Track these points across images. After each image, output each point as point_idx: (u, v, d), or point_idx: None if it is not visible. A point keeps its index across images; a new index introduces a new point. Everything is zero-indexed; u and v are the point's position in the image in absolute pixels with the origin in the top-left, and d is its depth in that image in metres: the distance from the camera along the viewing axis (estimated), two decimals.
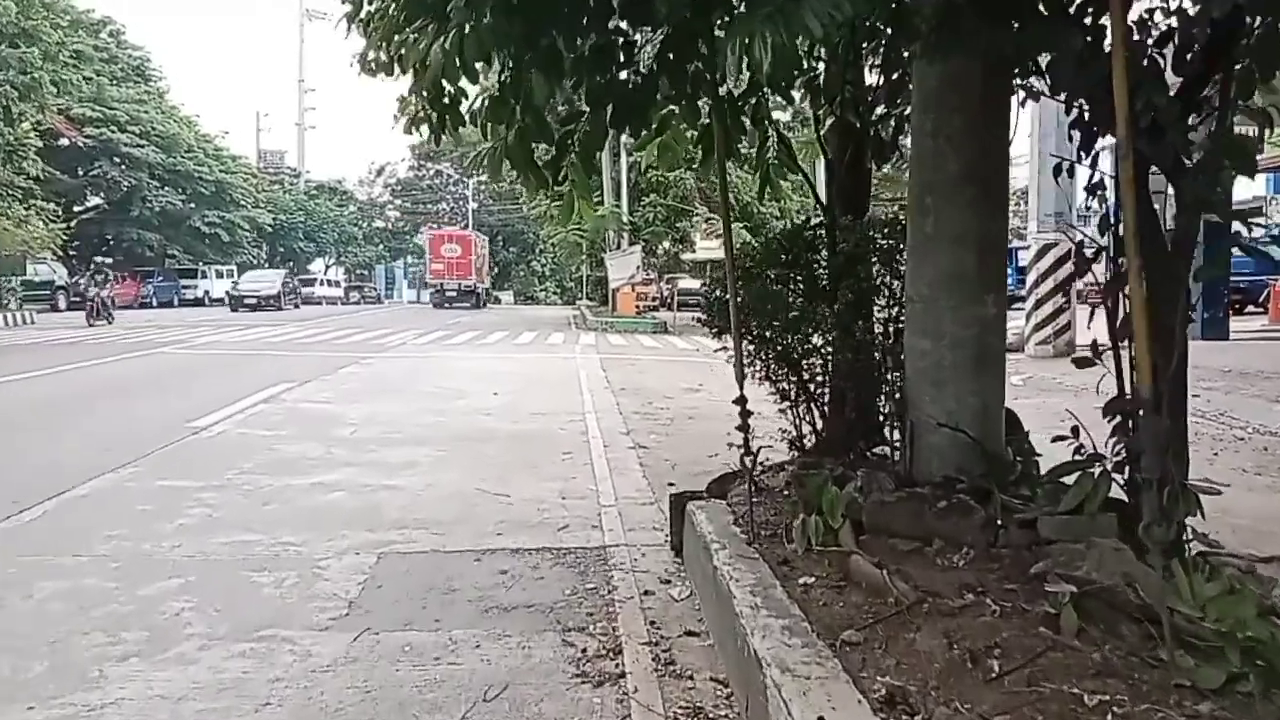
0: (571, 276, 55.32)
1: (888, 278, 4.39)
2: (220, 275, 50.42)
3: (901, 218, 4.35)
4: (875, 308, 4.50)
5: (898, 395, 4.01)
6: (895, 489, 3.72)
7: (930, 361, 3.82)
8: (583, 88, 4.39)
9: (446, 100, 4.45)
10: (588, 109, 4.40)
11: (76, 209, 46.51)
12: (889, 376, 4.32)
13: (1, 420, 8.73)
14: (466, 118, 4.50)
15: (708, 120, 4.56)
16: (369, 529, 5.06)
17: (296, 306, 40.29)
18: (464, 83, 4.37)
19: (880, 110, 4.96)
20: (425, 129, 4.65)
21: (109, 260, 46.98)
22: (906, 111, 5.14)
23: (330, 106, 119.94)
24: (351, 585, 4.15)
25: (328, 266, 68.38)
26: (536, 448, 7.50)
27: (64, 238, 31.58)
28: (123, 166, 41.97)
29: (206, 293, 48.36)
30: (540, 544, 4.82)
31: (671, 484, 6.24)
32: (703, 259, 56.82)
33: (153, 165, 43.21)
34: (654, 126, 4.70)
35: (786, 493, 4.55)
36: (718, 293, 4.94)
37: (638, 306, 25.93)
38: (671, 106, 4.62)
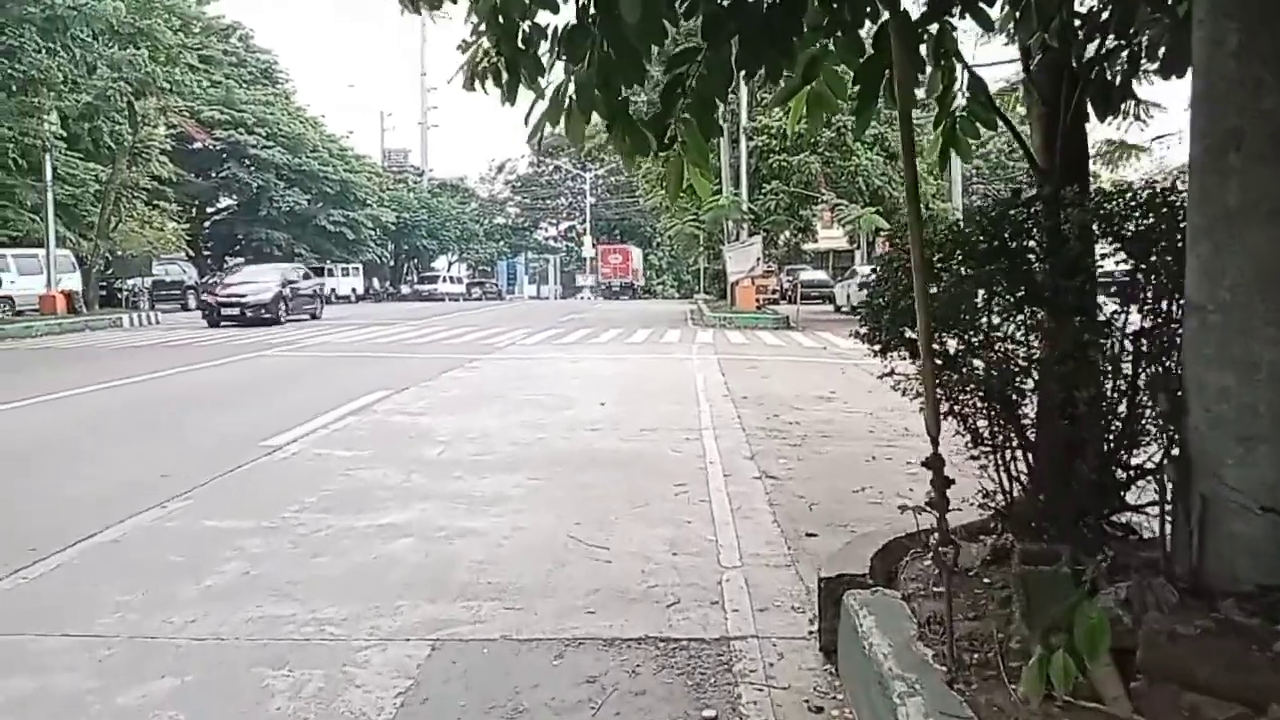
0: (689, 270, 54.19)
1: (1154, 276, 3.04)
2: (346, 273, 51.42)
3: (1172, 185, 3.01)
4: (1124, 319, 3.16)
5: (1175, 454, 2.67)
6: (1185, 605, 2.41)
7: (1234, 405, 2.47)
8: (698, 12, 3.23)
9: (520, 41, 3.36)
10: (704, 43, 3.22)
11: (209, 210, 48.17)
12: (1152, 423, 2.97)
13: (63, 437, 8.14)
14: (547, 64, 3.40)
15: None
16: (430, 598, 4.01)
17: (315, 316, 26.87)
18: (542, 15, 3.27)
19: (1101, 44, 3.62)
20: (492, 80, 3.57)
21: (240, 260, 48.70)
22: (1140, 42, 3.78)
23: (452, 105, 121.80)
24: (388, 698, 3.09)
25: (451, 263, 69.23)
26: (645, 476, 6.35)
27: (189, 238, 32.26)
28: (251, 168, 42.98)
29: (333, 290, 49.26)
30: (643, 631, 3.66)
31: (812, 534, 5.01)
32: (824, 249, 55.03)
33: (279, 166, 44.13)
34: (799, 70, 3.46)
35: (987, 578, 3.27)
36: (885, 296, 3.66)
37: (758, 300, 24.55)
38: (823, 41, 3.40)
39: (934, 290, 3.47)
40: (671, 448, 7.35)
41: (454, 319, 26.86)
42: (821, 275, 42.72)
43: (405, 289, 60.00)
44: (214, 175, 43.32)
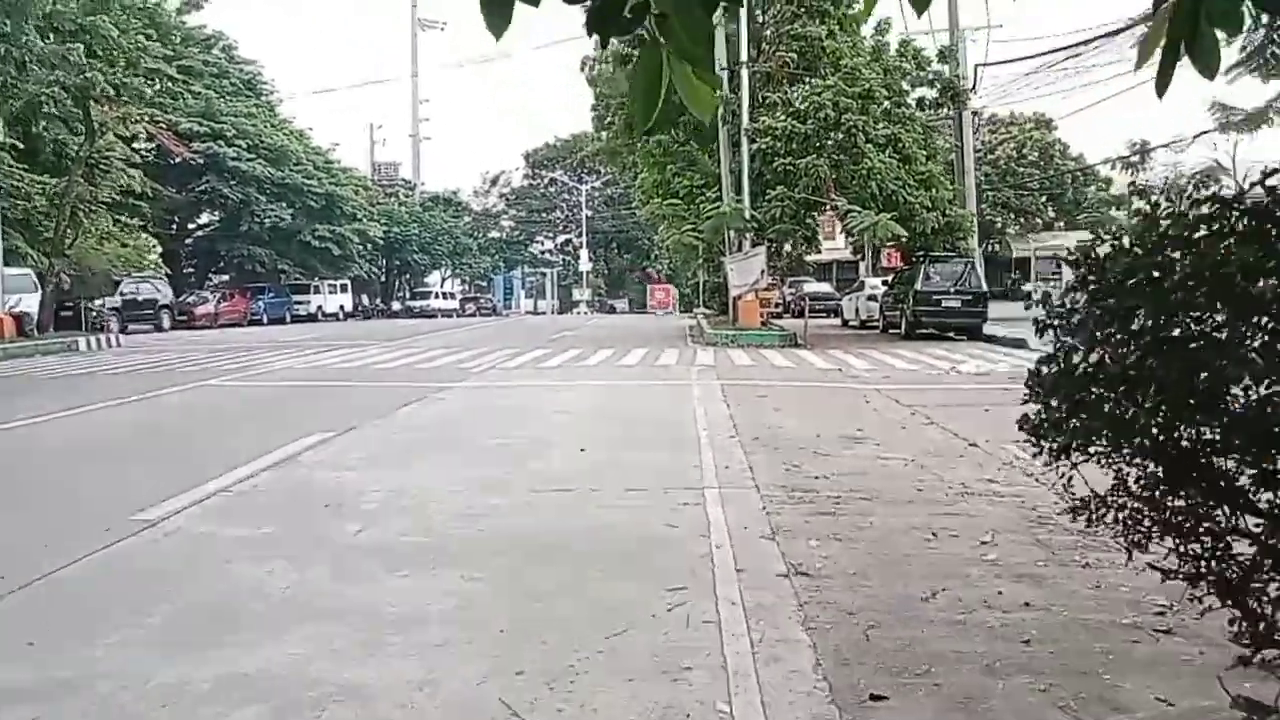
0: (687, 283, 52.52)
1: None
2: (334, 290, 49.77)
3: None
4: None
5: None
6: None
7: None
8: None
9: None
10: None
11: (190, 226, 46.51)
12: None
13: None
14: None
15: None
16: None
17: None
18: None
19: None
20: None
21: (225, 278, 47.04)
22: None
23: (444, 117, 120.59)
24: None
25: (444, 279, 67.63)
26: (627, 573, 4.58)
27: (162, 254, 30.56)
28: (231, 181, 41.28)
29: (320, 308, 47.68)
30: None
31: (879, 696, 3.22)
32: (827, 260, 53.36)
33: (261, 179, 42.45)
34: None
35: None
36: (1068, 347, 1.94)
37: (762, 316, 22.80)
38: None
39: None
40: (665, 521, 5.57)
41: (435, 339, 25.10)
42: (826, 287, 41.05)
43: (397, 305, 58.35)
44: (193, 189, 41.61)
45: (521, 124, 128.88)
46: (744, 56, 21.39)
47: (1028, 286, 40.40)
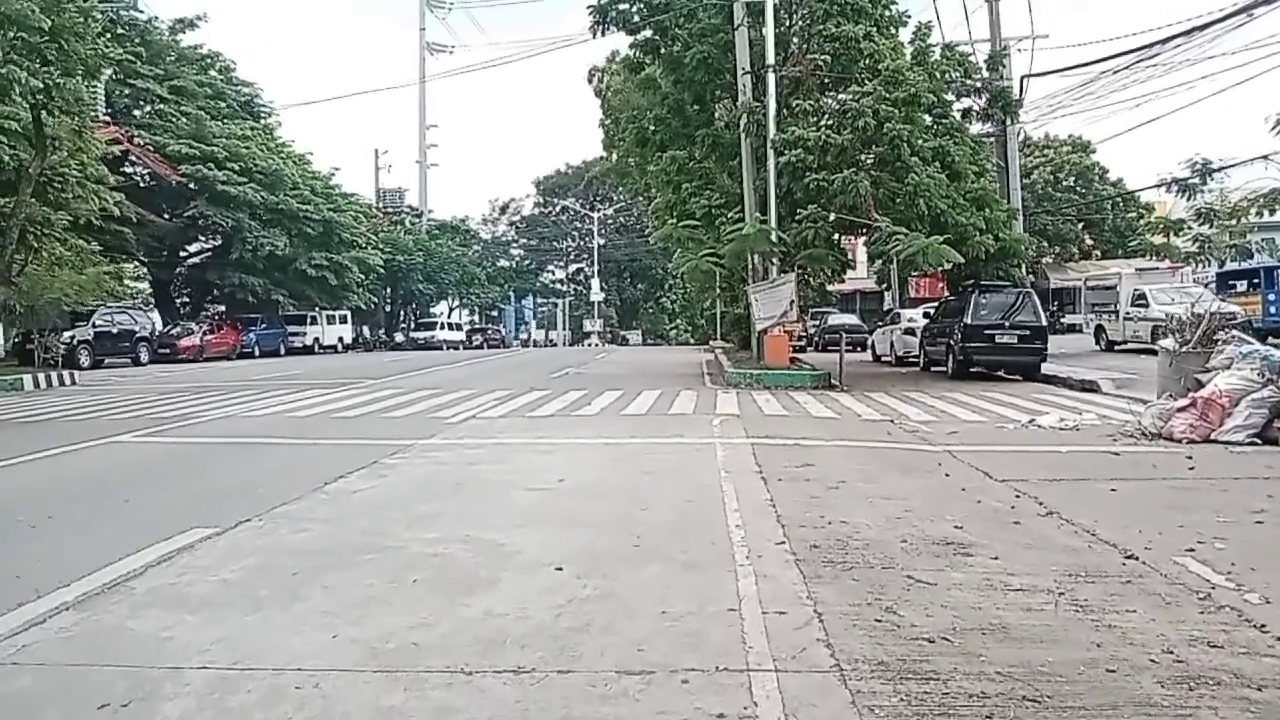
0: (703, 313, 50.00)
1: None
2: (332, 321, 47.55)
3: None
4: None
5: None
6: None
7: None
8: None
9: None
10: None
11: (181, 254, 44.40)
12: None
13: None
14: None
15: None
16: None
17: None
18: None
19: None
20: None
21: (222, 308, 44.81)
22: None
23: (453, 143, 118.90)
24: None
25: (451, 309, 65.41)
26: None
27: (124, 281, 28.25)
28: (222, 206, 39.07)
29: (317, 340, 45.44)
30: None
31: None
32: (850, 290, 50.58)
33: (254, 205, 40.23)
34: None
35: None
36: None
37: (789, 352, 20.19)
38: None
39: None
40: None
41: (425, 377, 22.53)
42: (853, 319, 38.29)
43: (400, 337, 56.05)
44: (181, 214, 39.46)
45: (533, 151, 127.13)
46: (770, 60, 18.93)
47: (1070, 319, 37.67)
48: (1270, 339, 16.00)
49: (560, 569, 5.24)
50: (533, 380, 20.43)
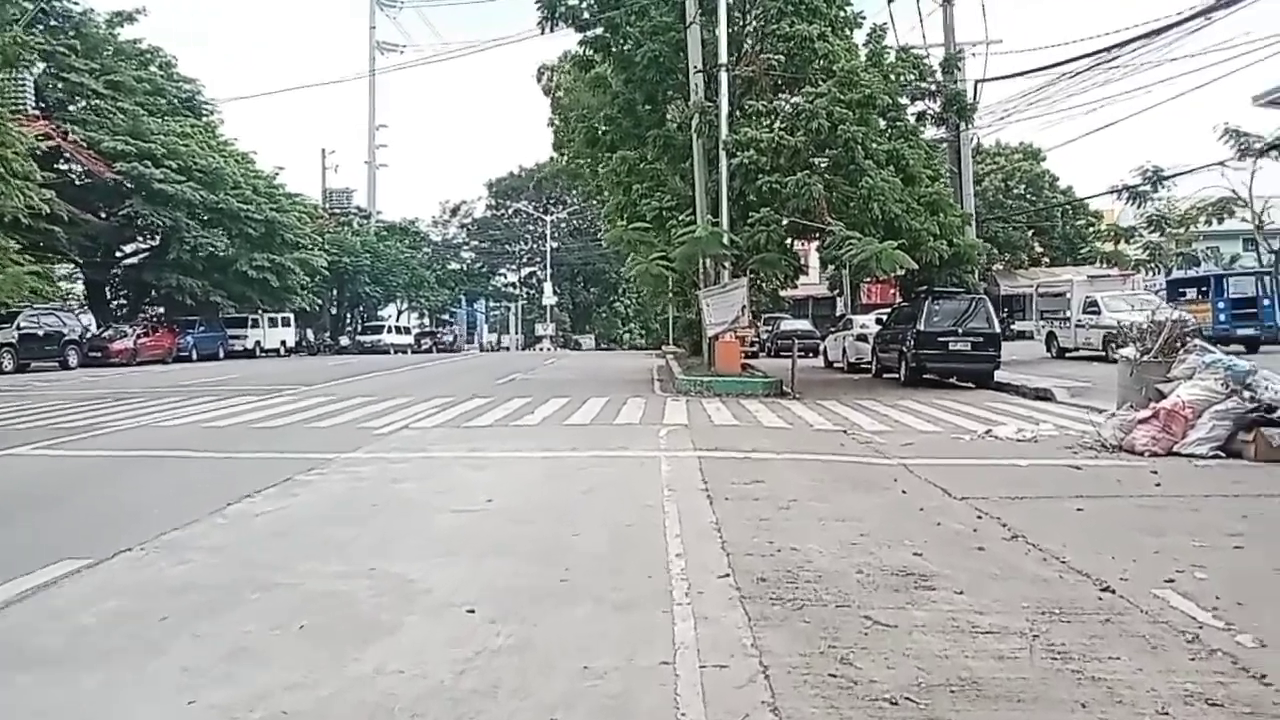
0: (656, 317, 49.53)
1: None
2: (275, 324, 46.25)
3: None
4: None
5: None
6: None
7: None
8: None
9: None
10: None
11: (118, 254, 42.90)
12: None
13: None
14: None
15: None
16: None
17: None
18: None
19: None
20: None
21: (158, 310, 43.33)
22: None
23: (403, 144, 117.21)
24: None
25: (400, 312, 64.22)
26: None
27: (54, 282, 27.01)
28: (159, 205, 37.66)
29: (258, 343, 44.12)
30: None
31: None
32: (802, 295, 50.32)
33: (193, 204, 38.85)
34: None
35: None
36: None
37: (741, 359, 19.68)
38: None
39: None
40: None
41: (363, 384, 21.69)
42: (805, 325, 38.00)
43: (346, 341, 54.77)
44: (117, 213, 37.98)
45: (485, 153, 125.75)
46: (723, 59, 18.43)
47: (1020, 325, 37.75)
48: (1219, 346, 15.85)
49: (473, 611, 4.60)
50: (476, 386, 19.70)
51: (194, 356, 38.15)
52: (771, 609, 4.64)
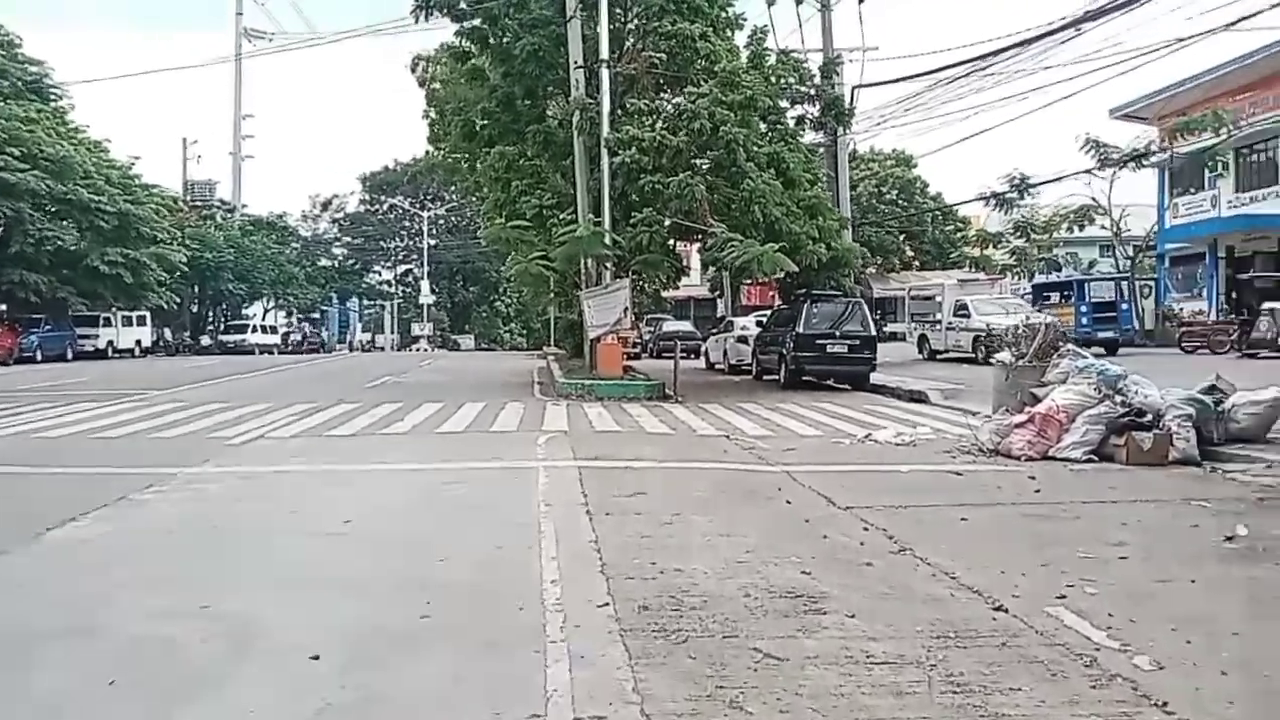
0: (538, 318, 48.85)
1: None
2: (129, 323, 43.47)
3: None
4: None
5: None
6: None
7: None
8: None
9: None
10: None
11: None
12: None
13: None
14: None
15: None
16: None
17: None
18: None
19: None
20: None
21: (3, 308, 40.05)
22: None
23: (272, 135, 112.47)
24: None
25: (267, 310, 61.49)
26: None
27: None
28: None
29: (110, 343, 41.34)
30: None
31: None
32: (684, 296, 50.52)
33: (38, 194, 36.09)
34: None
35: None
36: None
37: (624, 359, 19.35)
38: None
39: None
40: None
41: (216, 388, 20.41)
42: (687, 326, 38.02)
43: (207, 340, 52.04)
44: None
45: (359, 146, 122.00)
46: (604, 54, 18.04)
47: (893, 328, 38.71)
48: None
49: (317, 658, 4.03)
50: (344, 390, 18.74)
51: (38, 357, 35.39)
52: (655, 643, 4.25)
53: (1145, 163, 27.21)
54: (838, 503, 7.49)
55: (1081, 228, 29.71)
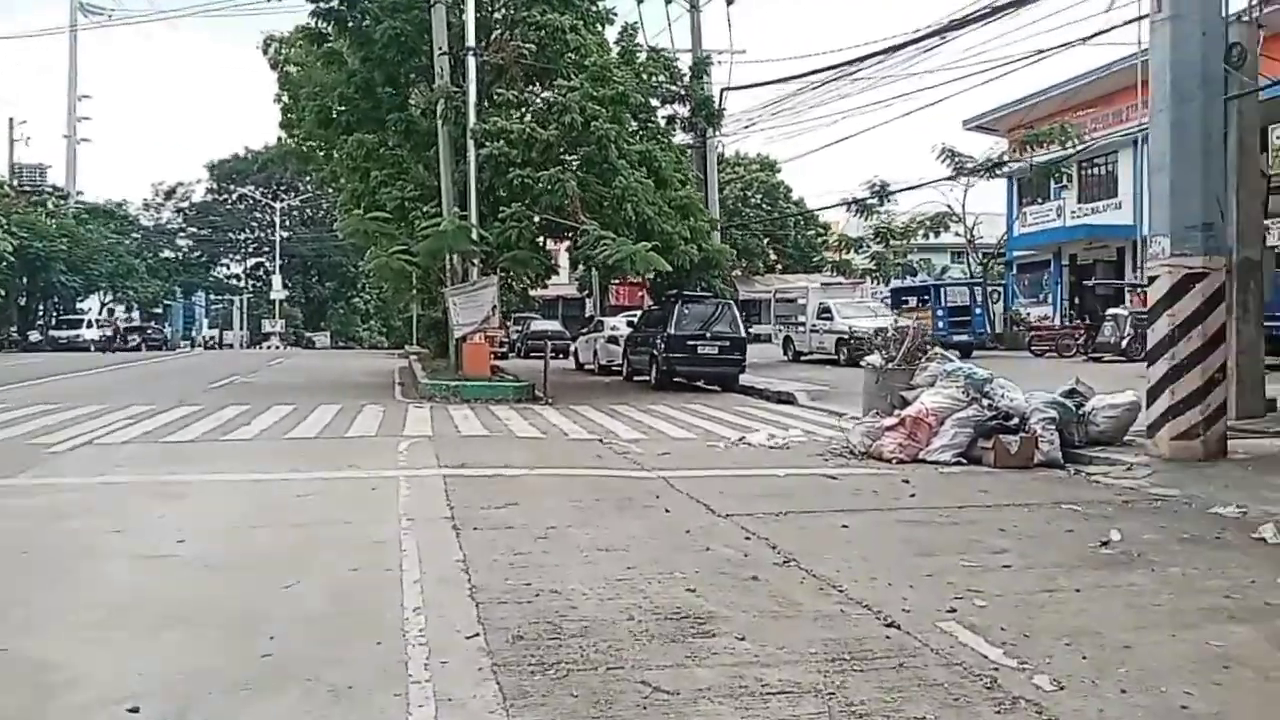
0: (399, 315, 47.31)
1: None
2: None
3: None
4: None
5: None
6: None
7: None
8: None
9: None
10: None
11: None
12: None
13: None
14: None
15: None
16: None
17: None
18: None
19: None
20: None
21: None
22: None
23: (112, 118, 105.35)
24: None
25: (105, 304, 57.53)
26: None
27: None
28: None
29: None
30: None
31: None
32: (552, 295, 49.94)
33: None
34: None
35: None
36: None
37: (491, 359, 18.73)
38: None
39: None
40: None
41: (42, 388, 18.71)
42: (556, 325, 37.52)
43: (37, 336, 48.24)
44: None
45: (206, 133, 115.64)
46: (471, 42, 17.38)
47: (758, 329, 39.27)
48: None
49: (136, 710, 3.42)
50: (186, 391, 17.42)
51: None
52: (532, 679, 3.81)
53: (999, 172, 28.42)
54: (717, 510, 7.23)
55: (937, 234, 30.81)
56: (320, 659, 4.00)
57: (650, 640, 4.31)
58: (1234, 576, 5.40)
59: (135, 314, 60.76)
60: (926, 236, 30.59)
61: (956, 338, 24.38)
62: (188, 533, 6.21)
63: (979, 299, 27.49)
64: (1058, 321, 28.65)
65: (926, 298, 27.67)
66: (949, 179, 27.28)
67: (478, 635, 4.30)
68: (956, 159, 27.76)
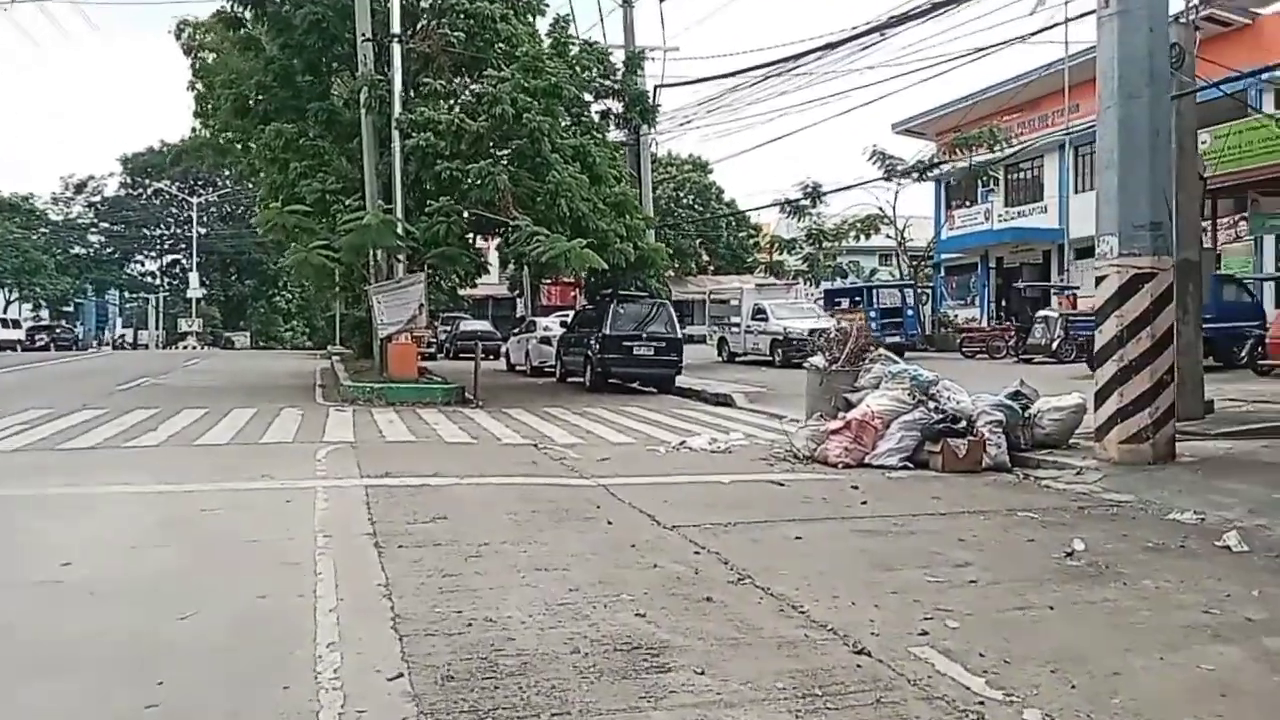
0: (322, 314, 45.98)
1: None
2: None
3: None
4: None
5: None
6: None
7: None
8: None
9: None
10: None
11: None
12: None
13: None
14: None
15: None
16: None
17: None
18: None
19: None
20: None
21: None
22: None
23: (15, 108, 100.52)
24: None
25: (10, 303, 54.89)
26: None
27: None
28: None
29: None
30: None
31: None
32: (482, 295, 49.05)
33: None
34: None
35: None
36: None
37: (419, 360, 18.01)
38: None
39: None
40: None
41: None
42: (486, 325, 36.74)
43: None
44: None
45: (119, 124, 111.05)
46: (396, 29, 16.68)
47: (691, 330, 39.08)
48: None
49: None
50: (91, 393, 16.35)
51: None
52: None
53: (929, 175, 28.62)
54: (663, 522, 6.79)
55: (868, 236, 30.95)
56: (217, 706, 3.44)
57: (598, 677, 3.84)
58: (1208, 590, 5.15)
59: (44, 313, 58.07)
60: (858, 238, 30.69)
61: (889, 339, 24.35)
62: (75, 554, 5.53)
63: (910, 301, 27.62)
64: (985, 323, 28.97)
65: (859, 299, 27.72)
66: (882, 179, 27.37)
67: (401, 676, 3.77)
68: (887, 161, 27.86)
